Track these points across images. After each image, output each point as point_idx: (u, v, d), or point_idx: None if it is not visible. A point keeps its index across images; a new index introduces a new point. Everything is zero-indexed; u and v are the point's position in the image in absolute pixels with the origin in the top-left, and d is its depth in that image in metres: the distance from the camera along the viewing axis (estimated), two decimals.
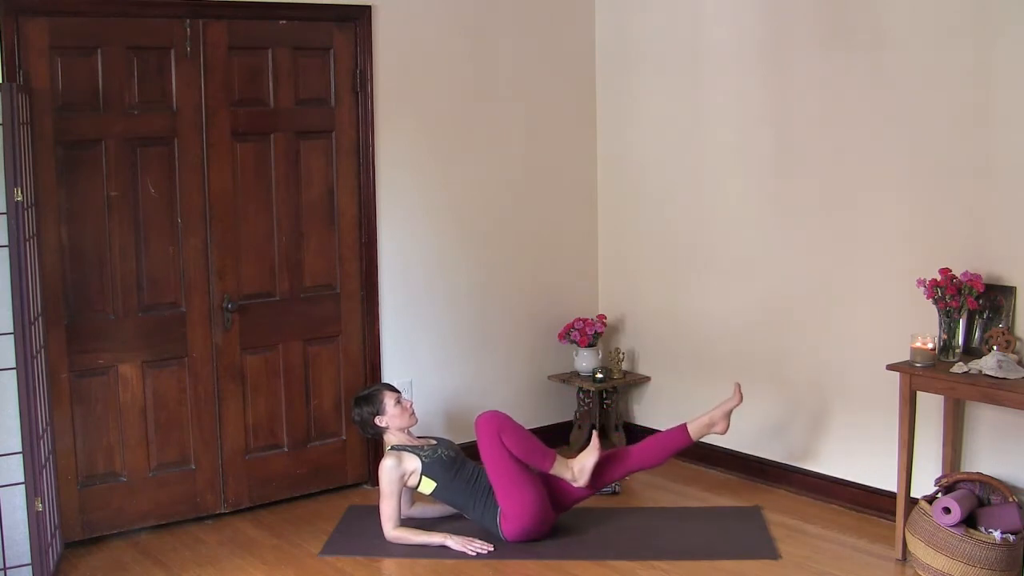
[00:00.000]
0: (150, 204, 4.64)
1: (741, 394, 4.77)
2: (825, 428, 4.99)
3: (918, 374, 4.22)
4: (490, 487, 4.56)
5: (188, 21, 4.64)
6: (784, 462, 5.17)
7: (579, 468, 4.56)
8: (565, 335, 5.73)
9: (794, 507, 4.93)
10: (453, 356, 5.51)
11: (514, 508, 4.45)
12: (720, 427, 4.74)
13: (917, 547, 4.12)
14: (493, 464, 4.49)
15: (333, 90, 5.03)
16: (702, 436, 4.77)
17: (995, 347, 4.18)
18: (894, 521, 4.40)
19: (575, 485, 4.58)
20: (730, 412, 4.74)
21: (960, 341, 4.31)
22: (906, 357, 4.34)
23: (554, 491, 4.61)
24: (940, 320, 4.30)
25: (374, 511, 4.66)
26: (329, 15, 4.96)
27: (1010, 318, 4.26)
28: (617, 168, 5.82)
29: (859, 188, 4.73)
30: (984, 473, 4.26)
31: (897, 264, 4.60)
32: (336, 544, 4.60)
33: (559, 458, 4.58)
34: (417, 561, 4.40)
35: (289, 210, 4.97)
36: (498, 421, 4.53)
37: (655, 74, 5.56)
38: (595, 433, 4.69)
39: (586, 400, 5.72)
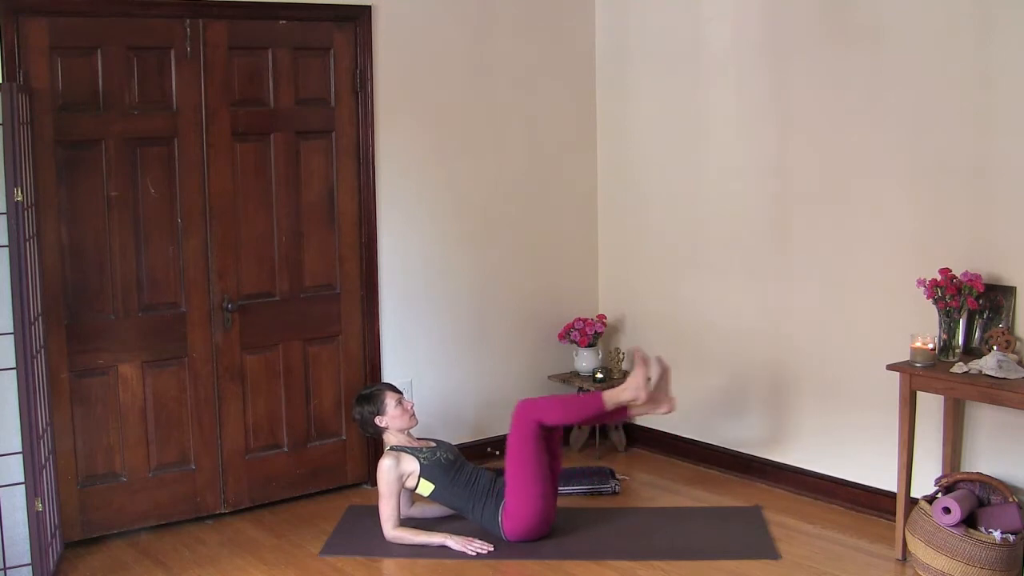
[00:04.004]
0: (150, 204, 4.64)
1: (656, 363, 4.60)
2: (825, 428, 4.98)
3: (918, 374, 4.22)
4: (489, 488, 4.57)
5: (188, 21, 4.64)
6: (784, 462, 5.17)
7: (634, 387, 4.54)
8: (565, 335, 5.73)
9: (794, 507, 4.93)
10: (453, 356, 5.51)
11: (521, 504, 4.45)
12: (664, 407, 4.62)
13: (917, 547, 4.12)
14: (516, 456, 4.47)
15: (333, 90, 5.03)
16: (618, 405, 4.60)
17: (995, 347, 4.18)
18: (894, 521, 4.40)
19: (639, 404, 4.56)
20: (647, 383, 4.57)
21: (960, 341, 4.31)
22: (906, 357, 4.34)
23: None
24: (940, 320, 4.30)
25: (374, 511, 4.66)
26: (329, 15, 4.96)
27: (1010, 318, 4.26)
28: (617, 168, 5.82)
29: (859, 188, 4.73)
30: (984, 473, 4.26)
31: (897, 264, 4.60)
32: (336, 544, 4.60)
33: (605, 394, 4.56)
34: (417, 561, 4.40)
35: (289, 210, 4.97)
36: (534, 410, 4.49)
37: (655, 74, 5.56)
38: (636, 350, 4.70)
39: None
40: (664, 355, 5.67)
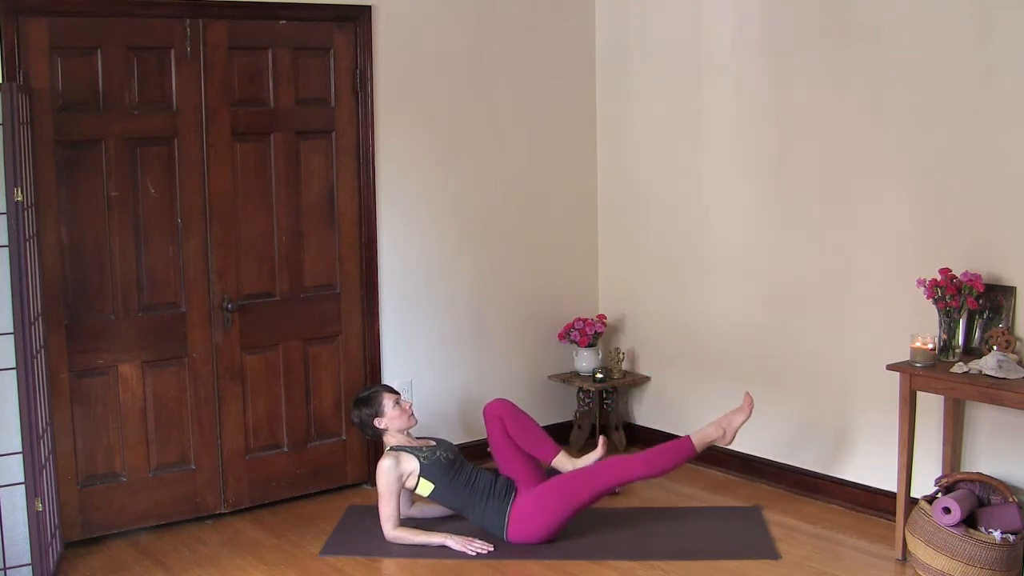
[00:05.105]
0: (150, 204, 4.64)
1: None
2: (825, 428, 4.98)
3: (918, 374, 4.22)
4: (490, 488, 4.57)
5: (188, 21, 4.64)
6: (784, 462, 5.17)
7: (723, 425, 4.62)
8: (565, 335, 5.73)
9: (794, 507, 4.93)
10: (453, 356, 5.52)
11: (540, 524, 4.47)
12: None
13: (917, 547, 4.12)
14: (573, 492, 4.49)
15: (333, 90, 5.03)
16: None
17: (995, 347, 4.18)
18: (894, 521, 4.40)
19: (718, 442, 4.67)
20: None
21: (960, 341, 4.31)
22: (906, 357, 4.34)
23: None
24: (940, 320, 4.30)
25: (374, 511, 4.65)
26: (329, 15, 4.96)
27: (1010, 318, 4.26)
28: (617, 168, 5.82)
29: (859, 188, 4.73)
30: (984, 473, 4.26)
31: (897, 264, 4.60)
32: (336, 544, 4.60)
33: (695, 438, 4.60)
34: (417, 561, 4.40)
35: (289, 210, 4.97)
36: (626, 472, 4.55)
37: (655, 74, 5.56)
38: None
39: (586, 400, 5.72)
40: (665, 355, 5.69)
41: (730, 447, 5.33)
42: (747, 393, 4.72)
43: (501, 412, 4.74)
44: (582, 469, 4.61)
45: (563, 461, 4.73)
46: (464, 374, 5.56)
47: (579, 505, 4.50)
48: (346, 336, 5.18)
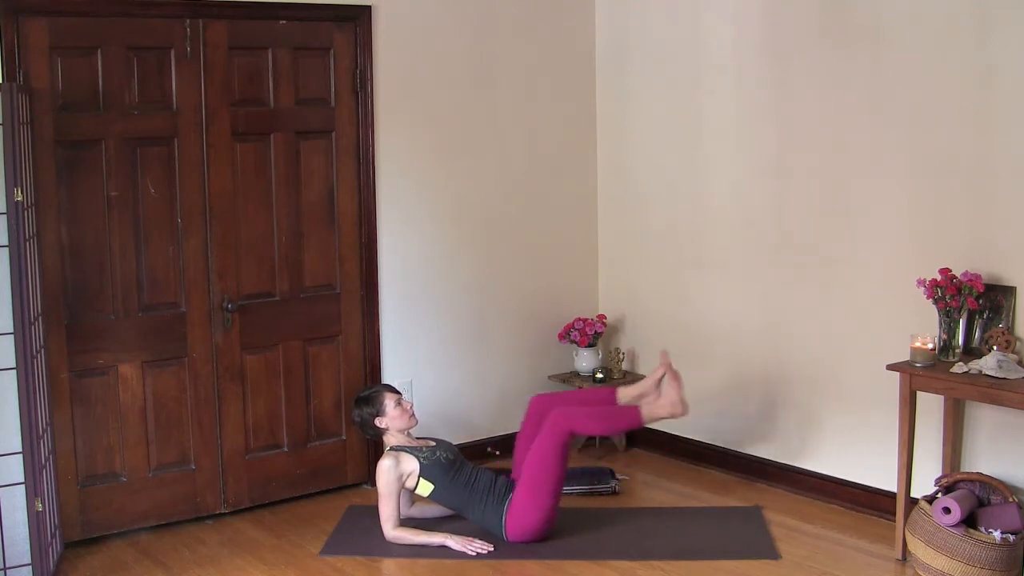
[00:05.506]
0: (150, 204, 4.64)
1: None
2: (825, 428, 4.99)
3: (918, 374, 4.22)
4: (490, 488, 4.57)
5: (188, 21, 4.64)
6: (784, 462, 5.17)
7: (671, 404, 4.63)
8: (565, 335, 5.73)
9: (794, 507, 4.93)
10: (453, 356, 5.51)
11: (531, 511, 4.46)
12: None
13: (917, 547, 4.12)
14: (540, 463, 4.46)
15: (333, 90, 5.03)
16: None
17: (995, 347, 4.18)
18: (894, 521, 4.40)
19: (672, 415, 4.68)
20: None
21: (960, 341, 4.31)
22: (906, 357, 4.34)
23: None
24: (940, 320, 4.30)
25: (374, 511, 4.65)
26: (329, 15, 4.96)
27: (1010, 318, 4.26)
28: (617, 168, 5.82)
29: (859, 188, 4.73)
30: (984, 473, 4.26)
31: (897, 264, 4.60)
32: (336, 544, 4.60)
33: (644, 412, 4.60)
34: (417, 561, 4.40)
35: (289, 210, 4.97)
36: (570, 421, 4.51)
37: (655, 74, 5.56)
38: (663, 357, 4.78)
39: None
40: (665, 355, 5.69)
41: (730, 447, 5.36)
42: (662, 353, 4.74)
43: (552, 406, 4.70)
44: (538, 439, 4.52)
45: (624, 393, 4.79)
46: (464, 374, 5.56)
47: (557, 464, 4.45)
48: (346, 336, 5.18)
